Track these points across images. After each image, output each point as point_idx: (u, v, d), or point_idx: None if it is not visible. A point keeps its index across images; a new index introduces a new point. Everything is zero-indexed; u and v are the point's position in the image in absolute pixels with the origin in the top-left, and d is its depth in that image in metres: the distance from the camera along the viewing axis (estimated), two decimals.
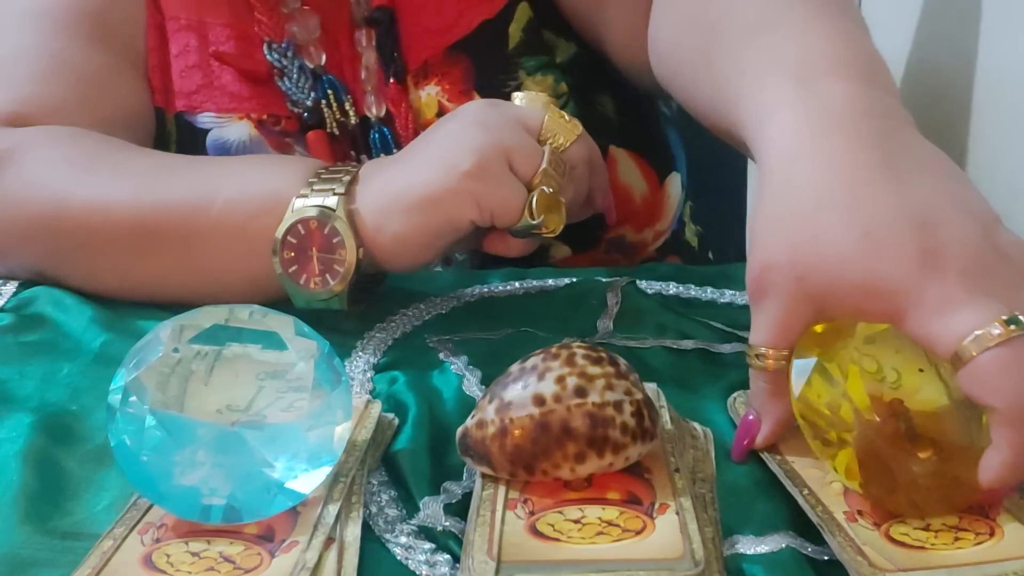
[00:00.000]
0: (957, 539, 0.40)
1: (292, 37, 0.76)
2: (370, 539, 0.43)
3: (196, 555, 0.40)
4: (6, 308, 0.64)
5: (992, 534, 0.40)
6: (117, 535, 0.41)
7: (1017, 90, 0.65)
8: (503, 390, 0.44)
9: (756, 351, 0.47)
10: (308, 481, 0.42)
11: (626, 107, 0.81)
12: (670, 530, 0.40)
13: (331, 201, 0.57)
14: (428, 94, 0.76)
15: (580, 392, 0.42)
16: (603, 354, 0.44)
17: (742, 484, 0.46)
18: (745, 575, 0.40)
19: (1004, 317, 0.39)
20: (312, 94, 0.76)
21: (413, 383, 0.55)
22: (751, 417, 0.48)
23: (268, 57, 0.75)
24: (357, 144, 0.77)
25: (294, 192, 0.58)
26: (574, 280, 0.69)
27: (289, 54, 0.75)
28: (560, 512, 0.42)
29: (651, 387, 0.51)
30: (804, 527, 0.43)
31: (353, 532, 0.42)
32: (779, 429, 0.47)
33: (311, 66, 0.76)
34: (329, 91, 0.76)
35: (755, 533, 0.43)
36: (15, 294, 0.66)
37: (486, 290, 0.68)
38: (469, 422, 0.45)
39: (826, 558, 0.41)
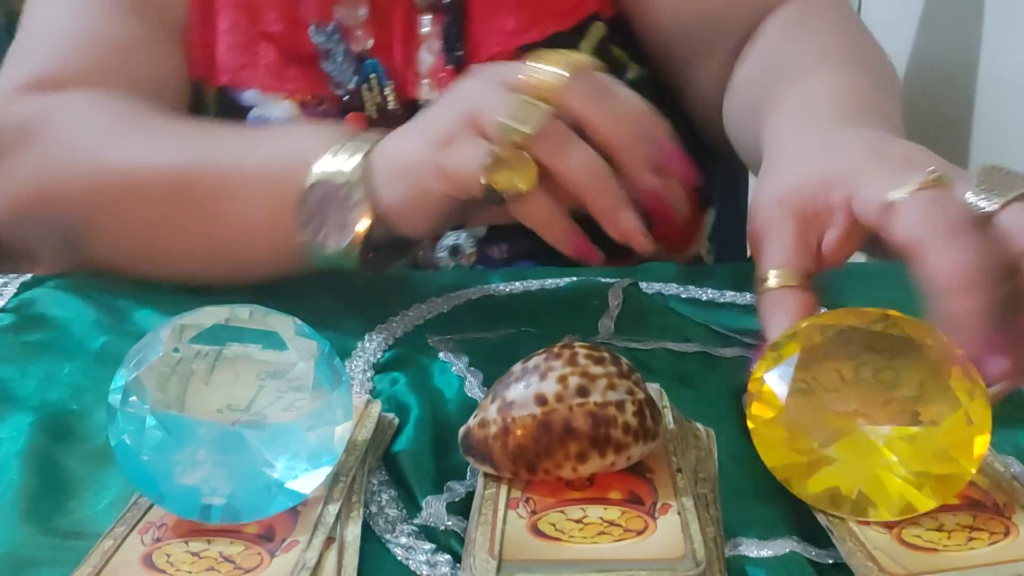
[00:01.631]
0: (971, 539, 0.40)
1: (339, 20, 0.76)
2: (370, 539, 0.43)
3: (196, 555, 0.40)
4: (7, 308, 0.64)
5: (1008, 533, 0.40)
6: (117, 534, 0.41)
7: (1017, 90, 0.65)
8: (505, 389, 0.44)
9: (762, 277, 0.52)
10: (308, 481, 0.42)
11: (682, 136, 0.81)
12: (671, 530, 0.40)
13: (349, 164, 0.57)
14: None
15: (582, 392, 0.42)
16: (605, 354, 0.44)
17: (745, 486, 0.46)
18: None
19: (927, 177, 0.47)
20: (355, 77, 0.77)
21: (414, 383, 0.55)
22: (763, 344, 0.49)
23: (314, 39, 0.76)
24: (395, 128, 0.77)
25: (320, 154, 0.59)
26: (576, 280, 0.69)
27: (335, 37, 0.76)
28: (562, 512, 0.42)
29: (654, 387, 0.51)
30: (808, 530, 0.43)
31: (353, 532, 0.42)
32: None
33: (356, 50, 0.77)
34: (371, 75, 0.77)
35: (759, 536, 0.43)
36: (16, 294, 0.66)
37: (487, 290, 0.68)
38: (471, 421, 0.45)
39: (831, 561, 0.41)
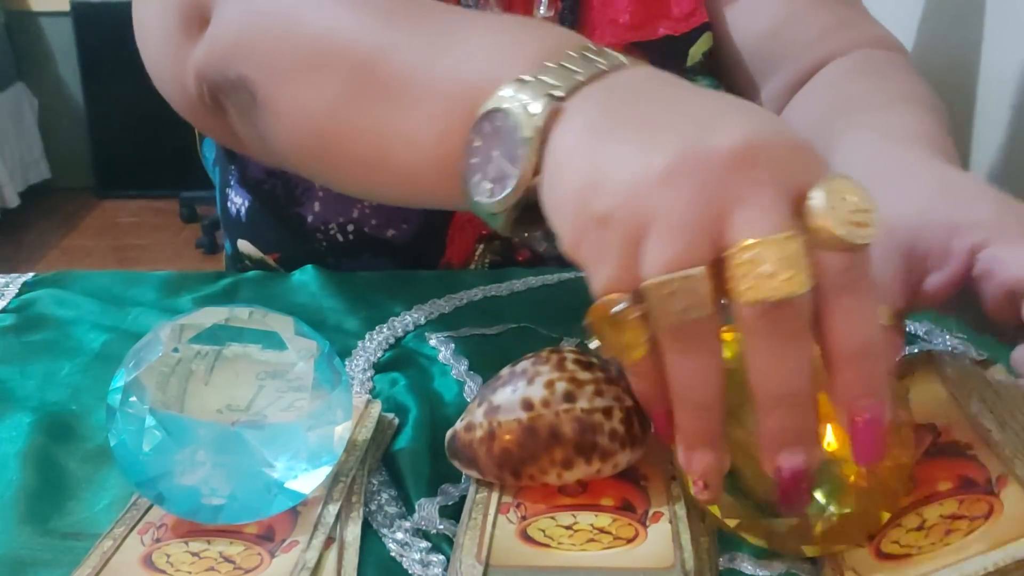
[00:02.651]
0: (949, 531, 0.39)
1: (464, 2, 0.76)
2: (370, 538, 0.43)
3: (196, 555, 0.40)
4: (8, 308, 0.64)
5: (989, 514, 0.39)
6: (117, 535, 0.41)
7: (1017, 90, 0.64)
8: (492, 393, 0.44)
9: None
10: (308, 481, 0.42)
11: None
12: (662, 539, 0.40)
13: (537, 104, 0.44)
14: None
15: (569, 397, 0.42)
16: (594, 359, 0.44)
17: None
18: None
19: None
20: None
21: (414, 384, 0.55)
22: None
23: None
24: None
25: (515, 74, 0.47)
26: (577, 278, 0.69)
27: (471, 3, 0.76)
28: (552, 518, 0.42)
29: None
30: None
31: (353, 532, 0.42)
32: None
33: None
34: None
35: (755, 555, 0.42)
36: (18, 295, 0.66)
37: (488, 290, 0.68)
38: (458, 425, 0.45)
39: None
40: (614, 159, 0.41)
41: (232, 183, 0.82)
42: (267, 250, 0.79)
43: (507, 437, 0.42)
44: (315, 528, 0.41)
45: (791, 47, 0.78)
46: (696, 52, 0.79)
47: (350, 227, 0.75)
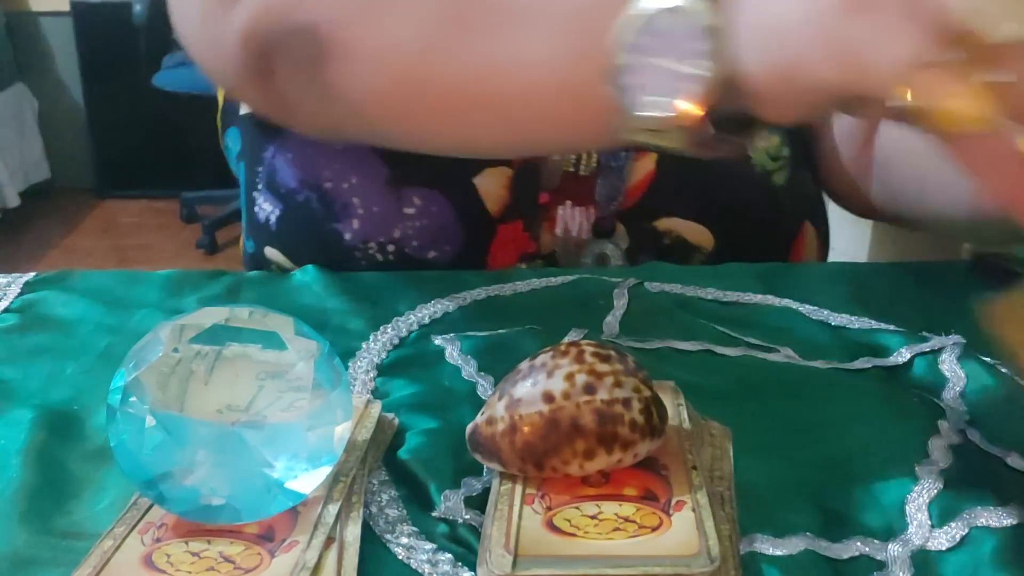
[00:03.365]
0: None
1: None
2: (370, 539, 0.43)
3: (196, 555, 0.40)
4: (11, 308, 0.64)
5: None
6: (117, 535, 0.41)
7: None
8: (512, 387, 0.44)
9: None
10: (308, 481, 0.42)
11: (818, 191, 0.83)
12: (686, 527, 0.40)
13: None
14: None
15: (589, 389, 0.42)
16: (612, 351, 0.45)
17: (760, 485, 0.47)
18: (763, 575, 0.41)
19: None
20: None
21: (421, 383, 0.55)
22: None
23: None
24: None
25: None
26: (581, 279, 0.69)
27: None
28: (577, 508, 0.42)
29: (669, 384, 0.51)
30: (823, 526, 0.44)
31: (353, 532, 0.42)
32: None
33: None
34: None
35: (774, 534, 0.43)
36: (20, 294, 0.66)
37: (492, 290, 0.68)
38: (479, 419, 0.45)
39: (845, 557, 0.42)
40: None
41: (260, 187, 0.79)
42: (298, 262, 0.76)
43: (528, 429, 0.43)
44: (315, 528, 0.41)
45: None
46: None
47: (391, 247, 0.73)
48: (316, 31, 0.53)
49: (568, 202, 0.75)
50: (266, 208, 0.78)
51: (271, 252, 0.78)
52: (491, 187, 0.75)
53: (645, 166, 0.75)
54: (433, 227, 0.73)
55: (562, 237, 0.76)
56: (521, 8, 0.47)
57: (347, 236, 0.73)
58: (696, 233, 0.76)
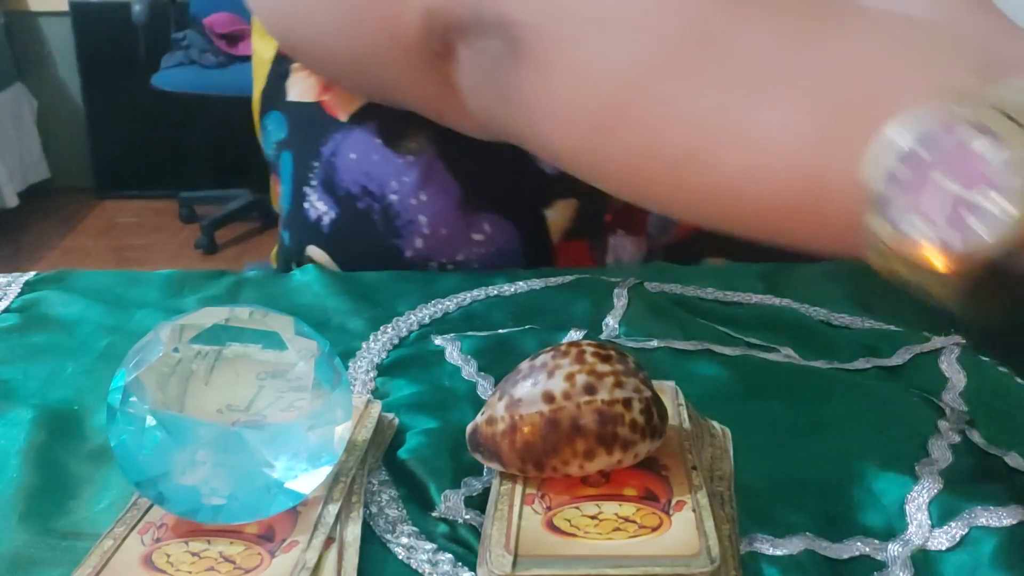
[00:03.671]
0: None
1: None
2: (371, 540, 0.43)
3: (196, 555, 0.40)
4: (11, 308, 0.64)
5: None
6: (117, 535, 0.41)
7: None
8: (513, 387, 0.44)
9: None
10: (308, 481, 0.42)
11: None
12: (686, 527, 0.40)
13: (990, 113, 0.33)
14: None
15: (589, 389, 0.42)
16: (612, 351, 0.45)
17: (760, 485, 0.47)
18: (763, 575, 0.41)
19: None
20: None
21: (421, 383, 0.55)
22: None
23: None
24: None
25: (934, 83, 0.35)
26: (581, 279, 0.69)
27: None
28: (577, 508, 0.42)
29: (669, 385, 0.51)
30: (823, 527, 0.44)
31: (353, 532, 0.42)
32: None
33: None
34: None
35: (773, 534, 0.43)
36: (20, 294, 0.66)
37: (492, 290, 0.68)
38: (479, 419, 0.45)
39: (845, 557, 0.42)
40: None
41: (314, 183, 0.74)
42: (345, 267, 0.73)
43: (529, 430, 0.43)
44: (315, 528, 0.41)
45: None
46: None
47: (451, 267, 0.72)
48: (512, 28, 0.47)
49: (620, 231, 0.75)
50: (319, 207, 0.74)
51: (315, 252, 0.75)
52: (559, 218, 0.74)
53: None
54: (497, 253, 0.72)
55: (613, 265, 0.76)
56: (761, 63, 0.40)
57: (408, 253, 0.72)
58: None
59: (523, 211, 0.73)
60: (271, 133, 0.80)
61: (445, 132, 0.65)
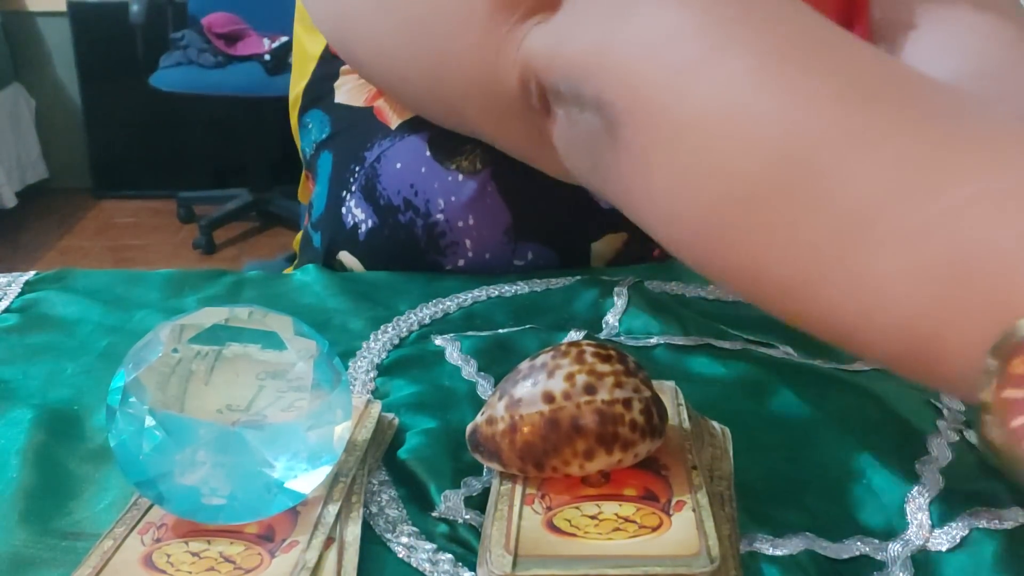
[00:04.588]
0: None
1: None
2: (371, 539, 0.43)
3: (196, 555, 0.40)
4: (11, 308, 0.64)
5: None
6: (117, 535, 0.41)
7: None
8: (513, 387, 0.44)
9: None
10: (308, 481, 0.42)
11: None
12: (686, 527, 0.40)
13: None
14: None
15: (589, 389, 0.43)
16: (612, 352, 0.45)
17: (760, 485, 0.47)
18: (763, 575, 0.41)
19: None
20: None
21: (422, 383, 0.55)
22: None
23: None
24: None
25: None
26: (581, 279, 0.69)
27: None
28: (577, 508, 0.42)
29: (669, 384, 0.51)
30: (823, 526, 0.44)
31: (353, 532, 0.42)
32: None
33: None
34: None
35: (773, 534, 0.43)
36: (20, 294, 0.66)
37: (493, 290, 0.68)
38: (479, 419, 0.45)
39: (845, 557, 0.42)
40: None
41: (354, 188, 0.72)
42: None
43: (528, 430, 0.43)
44: (315, 528, 0.41)
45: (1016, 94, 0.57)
46: None
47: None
48: (611, 112, 0.44)
49: None
50: (357, 214, 0.72)
51: (347, 258, 0.74)
52: (605, 249, 0.73)
53: None
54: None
55: None
56: (872, 204, 0.36)
57: (447, 269, 0.71)
58: None
59: (570, 243, 0.72)
60: (311, 132, 0.78)
61: (500, 153, 0.62)
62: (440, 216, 0.69)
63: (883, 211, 0.35)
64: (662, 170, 0.43)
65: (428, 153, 0.69)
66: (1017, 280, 0.32)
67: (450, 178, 0.68)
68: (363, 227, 0.71)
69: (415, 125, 0.70)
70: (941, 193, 0.34)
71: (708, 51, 0.41)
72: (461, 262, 0.70)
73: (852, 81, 0.39)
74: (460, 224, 0.69)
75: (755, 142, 0.39)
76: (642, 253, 0.74)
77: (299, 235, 0.83)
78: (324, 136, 0.76)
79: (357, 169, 0.71)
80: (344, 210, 0.72)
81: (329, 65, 0.76)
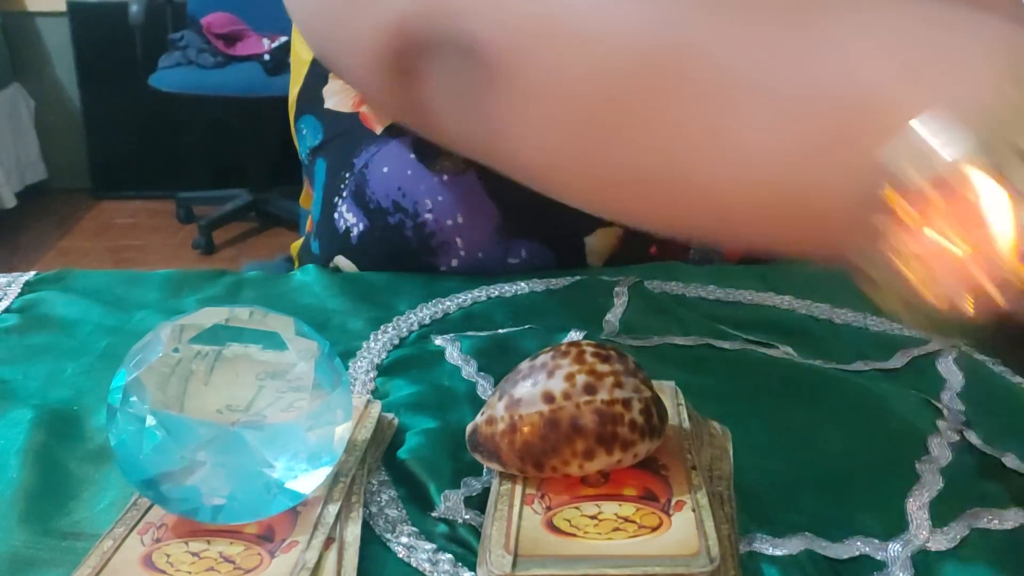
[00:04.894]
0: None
1: None
2: (371, 539, 0.43)
3: (196, 555, 0.40)
4: (11, 308, 0.64)
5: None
6: (117, 535, 0.41)
7: None
8: (513, 387, 0.44)
9: None
10: (308, 481, 0.42)
11: None
12: (686, 527, 0.40)
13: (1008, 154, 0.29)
14: None
15: (589, 389, 0.43)
16: (612, 351, 0.45)
17: (760, 485, 0.47)
18: (762, 575, 0.41)
19: None
20: None
21: (422, 383, 0.55)
22: None
23: None
24: None
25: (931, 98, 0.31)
26: (581, 279, 0.69)
27: None
28: (577, 508, 0.42)
29: (669, 384, 0.51)
30: (823, 527, 0.44)
31: (353, 532, 0.42)
32: None
33: None
34: None
35: (773, 534, 0.43)
36: (20, 295, 0.66)
37: (493, 290, 0.68)
38: (479, 419, 0.45)
39: (845, 557, 0.42)
40: None
41: (344, 195, 0.72)
42: None
43: (528, 430, 0.43)
44: (315, 528, 0.41)
45: None
46: None
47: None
48: (482, 49, 0.44)
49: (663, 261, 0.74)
50: (348, 219, 0.72)
51: (343, 262, 0.74)
52: (600, 245, 0.73)
53: None
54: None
55: None
56: (742, 72, 0.36)
57: (442, 269, 0.71)
58: None
59: (562, 238, 0.72)
60: (306, 138, 0.79)
61: None
62: (428, 216, 0.69)
63: (749, 73, 0.36)
64: (536, 93, 0.43)
65: (413, 156, 0.69)
66: (879, 108, 0.31)
67: (436, 179, 0.69)
68: (355, 230, 0.72)
69: (400, 129, 0.70)
70: (800, 45, 0.35)
71: None
72: (454, 262, 0.70)
73: None
74: (449, 223, 0.69)
75: (626, 37, 0.39)
76: (639, 251, 0.74)
77: (297, 243, 0.83)
78: (317, 143, 0.77)
79: (347, 176, 0.72)
80: (336, 215, 0.73)
81: (319, 68, 0.76)
